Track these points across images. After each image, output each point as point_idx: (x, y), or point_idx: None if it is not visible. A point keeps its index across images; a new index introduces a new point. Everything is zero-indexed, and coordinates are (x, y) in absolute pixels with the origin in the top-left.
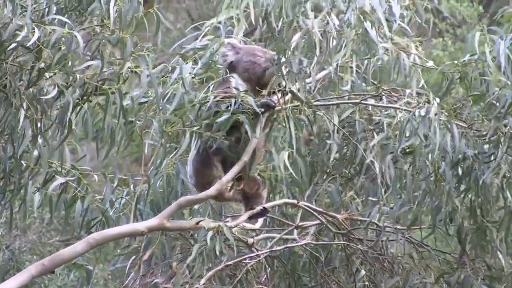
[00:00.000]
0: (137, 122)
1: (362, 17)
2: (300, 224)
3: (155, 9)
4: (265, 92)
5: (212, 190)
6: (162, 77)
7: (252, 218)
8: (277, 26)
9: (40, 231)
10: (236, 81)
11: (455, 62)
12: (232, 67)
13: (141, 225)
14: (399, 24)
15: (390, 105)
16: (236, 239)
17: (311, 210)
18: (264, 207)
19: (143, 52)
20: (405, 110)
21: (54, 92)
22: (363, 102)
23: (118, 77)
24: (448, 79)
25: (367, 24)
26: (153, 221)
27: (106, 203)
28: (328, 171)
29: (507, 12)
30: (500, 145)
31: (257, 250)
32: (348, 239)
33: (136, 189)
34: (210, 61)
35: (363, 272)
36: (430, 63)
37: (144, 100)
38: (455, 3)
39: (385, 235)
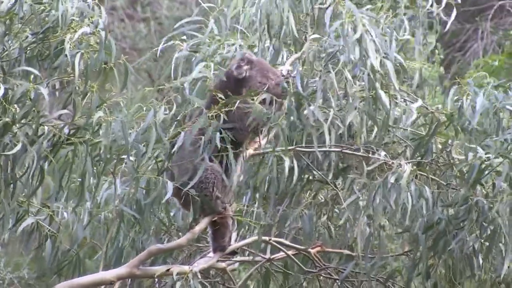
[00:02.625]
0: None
1: (372, 75)
2: (272, 257)
3: (124, 60)
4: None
5: (183, 240)
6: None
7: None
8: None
9: None
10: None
11: (439, 107)
12: (242, 80)
13: (110, 274)
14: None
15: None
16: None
17: (282, 248)
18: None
19: (117, 99)
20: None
21: (17, 148)
22: (344, 151)
23: (90, 126)
24: (436, 121)
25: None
26: (122, 270)
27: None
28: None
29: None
30: (471, 212)
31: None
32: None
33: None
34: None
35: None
36: (419, 103)
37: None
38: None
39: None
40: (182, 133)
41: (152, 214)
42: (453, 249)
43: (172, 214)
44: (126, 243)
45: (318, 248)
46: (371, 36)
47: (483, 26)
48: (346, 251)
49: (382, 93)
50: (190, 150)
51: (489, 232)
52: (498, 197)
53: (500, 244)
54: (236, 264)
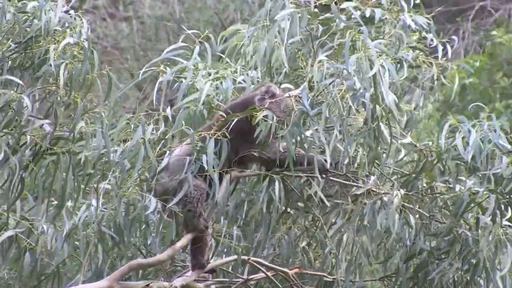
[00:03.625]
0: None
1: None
2: (250, 277)
3: (107, 71)
4: None
5: (164, 256)
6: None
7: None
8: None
9: None
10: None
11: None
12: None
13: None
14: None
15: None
16: None
17: (260, 267)
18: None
19: (98, 110)
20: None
21: (0, 157)
22: (330, 177)
23: (72, 136)
24: (425, 157)
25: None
26: (102, 283)
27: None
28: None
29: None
30: (454, 243)
31: None
32: None
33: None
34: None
35: None
36: (408, 139)
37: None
38: None
39: None
40: (168, 152)
41: (131, 236)
42: (433, 279)
43: (149, 242)
44: (105, 265)
45: (296, 270)
46: (386, 72)
47: (464, 27)
48: (324, 274)
49: (382, 126)
50: (177, 166)
51: (470, 264)
52: (483, 232)
53: (479, 278)
54: (213, 287)
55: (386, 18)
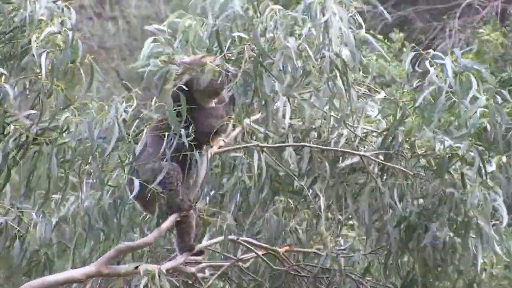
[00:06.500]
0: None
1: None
2: (241, 257)
3: (90, 59)
4: None
5: (150, 238)
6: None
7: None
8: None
9: None
10: None
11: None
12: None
13: (79, 272)
14: None
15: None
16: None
17: (250, 246)
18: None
19: (83, 101)
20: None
21: None
22: (305, 144)
23: (57, 127)
24: (401, 109)
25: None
26: (90, 268)
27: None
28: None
29: None
30: (442, 203)
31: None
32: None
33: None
34: None
35: None
36: (382, 95)
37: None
38: (384, 62)
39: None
40: (145, 130)
41: (117, 218)
42: (425, 243)
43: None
44: (96, 253)
45: (287, 248)
46: (338, 19)
47: (451, 24)
48: (315, 251)
49: (339, 79)
50: (150, 151)
51: (461, 223)
52: (470, 188)
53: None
54: (207, 273)
55: None
